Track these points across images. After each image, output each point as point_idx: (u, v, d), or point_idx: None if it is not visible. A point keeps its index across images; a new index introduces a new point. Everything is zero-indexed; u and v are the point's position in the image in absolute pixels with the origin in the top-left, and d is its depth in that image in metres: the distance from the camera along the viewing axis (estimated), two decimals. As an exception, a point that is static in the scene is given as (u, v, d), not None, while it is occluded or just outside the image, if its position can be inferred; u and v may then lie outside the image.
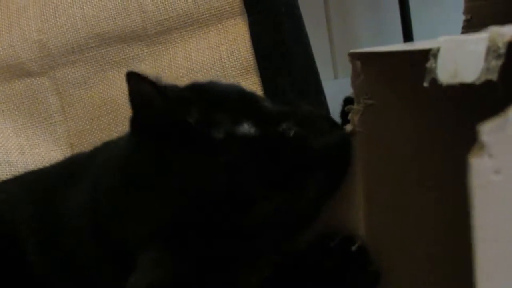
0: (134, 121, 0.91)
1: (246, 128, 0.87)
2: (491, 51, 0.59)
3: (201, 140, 0.86)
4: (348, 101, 0.94)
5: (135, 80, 0.85)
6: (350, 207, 0.94)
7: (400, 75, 0.87)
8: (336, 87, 2.58)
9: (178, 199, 0.85)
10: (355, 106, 0.90)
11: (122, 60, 1.53)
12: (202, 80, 1.45)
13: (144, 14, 1.52)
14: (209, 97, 0.92)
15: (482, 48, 0.59)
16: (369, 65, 0.87)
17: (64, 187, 1.03)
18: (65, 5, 1.55)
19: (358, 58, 0.87)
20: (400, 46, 0.87)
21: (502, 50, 0.58)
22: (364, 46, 2.71)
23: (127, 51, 1.53)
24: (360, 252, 0.93)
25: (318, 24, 2.66)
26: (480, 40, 0.59)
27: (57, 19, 1.54)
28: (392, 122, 0.90)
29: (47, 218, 1.01)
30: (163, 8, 1.52)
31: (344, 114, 0.95)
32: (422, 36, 2.53)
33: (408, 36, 2.53)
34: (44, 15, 1.55)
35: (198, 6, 1.51)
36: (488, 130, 0.52)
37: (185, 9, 1.51)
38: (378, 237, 0.93)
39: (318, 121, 0.93)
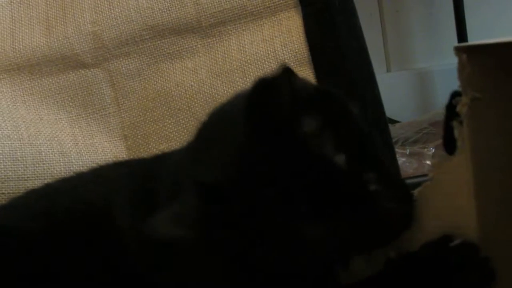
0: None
1: (340, 159, 0.93)
2: None
3: (297, 148, 0.92)
4: (455, 94, 0.94)
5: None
6: (460, 200, 0.95)
7: (505, 66, 0.88)
8: (389, 81, 2.58)
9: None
10: (462, 98, 0.90)
11: (176, 52, 1.53)
12: (254, 71, 1.47)
13: (198, 6, 1.52)
14: (330, 113, 0.97)
15: None
16: (474, 58, 0.88)
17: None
18: (119, -3, 1.56)
19: (464, 51, 0.89)
20: (505, 38, 0.87)
21: None
22: (417, 40, 2.70)
23: (181, 43, 1.53)
24: (465, 245, 0.94)
25: (371, 18, 2.64)
26: None
27: (112, 10, 1.55)
28: (499, 114, 0.91)
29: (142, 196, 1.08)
30: (217, 0, 1.52)
31: (450, 107, 0.96)
32: (475, 28, 2.51)
33: (461, 29, 2.50)
34: (98, 6, 1.56)
35: (252, -1, 1.51)
36: None
37: (239, 1, 1.51)
38: (491, 229, 0.93)
39: (399, 185, 1.00)
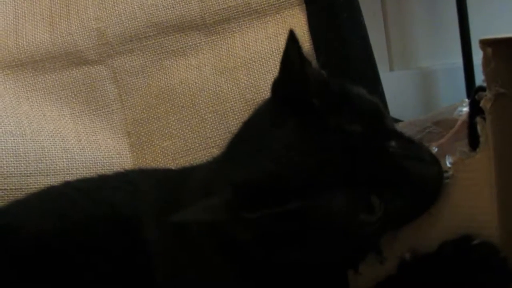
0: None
1: (356, 127, 0.92)
2: None
3: (316, 119, 0.93)
4: (478, 89, 0.93)
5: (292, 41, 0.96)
6: (481, 197, 0.93)
7: None
8: (392, 79, 2.57)
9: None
10: (486, 94, 0.89)
11: (179, 49, 1.53)
12: (259, 69, 1.47)
13: (202, 3, 1.52)
14: (343, 93, 0.99)
15: None
16: (500, 52, 0.86)
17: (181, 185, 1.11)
18: (123, -6, 1.56)
19: (489, 45, 0.87)
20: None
21: None
22: (420, 39, 2.69)
23: (184, 40, 1.53)
24: (484, 245, 0.92)
25: (374, 17, 2.63)
26: None
27: (116, 7, 1.55)
28: None
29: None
30: (221, -2, 1.52)
31: (473, 103, 0.95)
32: (479, 27, 2.50)
33: (464, 28, 2.49)
34: (102, 3, 1.56)
35: (257, -4, 1.51)
36: None
37: (244, -2, 1.51)
38: None
39: (422, 151, 0.97)
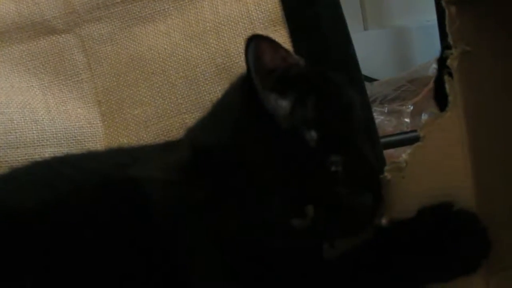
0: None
1: (311, 136, 0.93)
2: None
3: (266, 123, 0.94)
4: (445, 48, 0.92)
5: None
6: (454, 157, 0.93)
7: (495, 18, 0.87)
8: (366, 39, 2.56)
9: None
10: (452, 52, 0.89)
11: (148, 15, 1.51)
12: (228, 33, 1.46)
13: (170, -34, 1.50)
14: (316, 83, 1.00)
15: None
16: (464, 10, 0.87)
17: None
18: (89, -41, 1.53)
19: (453, 3, 0.87)
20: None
21: None
22: (394, -3, 2.68)
23: (153, 6, 1.51)
24: (464, 213, 0.92)
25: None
26: None
27: (81, -26, 1.52)
28: (490, 68, 0.90)
29: None
30: (189, -40, 1.49)
31: (440, 61, 0.94)
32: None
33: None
34: (67, -30, 1.53)
35: (225, -42, 1.49)
36: None
37: (212, -40, 1.49)
38: (487, 185, 0.93)
39: (364, 176, 0.97)
